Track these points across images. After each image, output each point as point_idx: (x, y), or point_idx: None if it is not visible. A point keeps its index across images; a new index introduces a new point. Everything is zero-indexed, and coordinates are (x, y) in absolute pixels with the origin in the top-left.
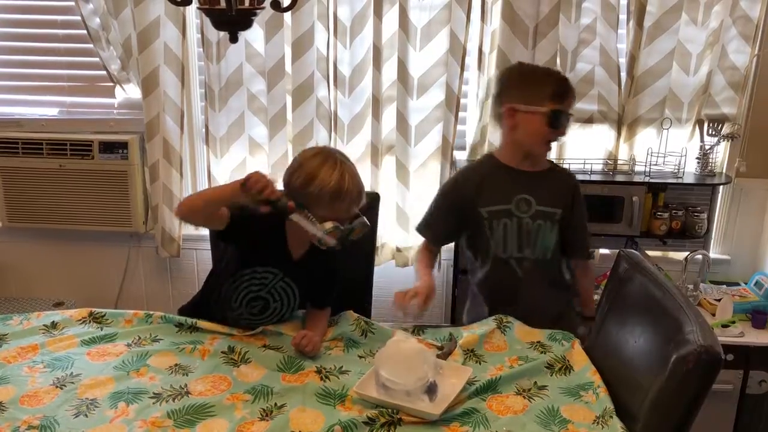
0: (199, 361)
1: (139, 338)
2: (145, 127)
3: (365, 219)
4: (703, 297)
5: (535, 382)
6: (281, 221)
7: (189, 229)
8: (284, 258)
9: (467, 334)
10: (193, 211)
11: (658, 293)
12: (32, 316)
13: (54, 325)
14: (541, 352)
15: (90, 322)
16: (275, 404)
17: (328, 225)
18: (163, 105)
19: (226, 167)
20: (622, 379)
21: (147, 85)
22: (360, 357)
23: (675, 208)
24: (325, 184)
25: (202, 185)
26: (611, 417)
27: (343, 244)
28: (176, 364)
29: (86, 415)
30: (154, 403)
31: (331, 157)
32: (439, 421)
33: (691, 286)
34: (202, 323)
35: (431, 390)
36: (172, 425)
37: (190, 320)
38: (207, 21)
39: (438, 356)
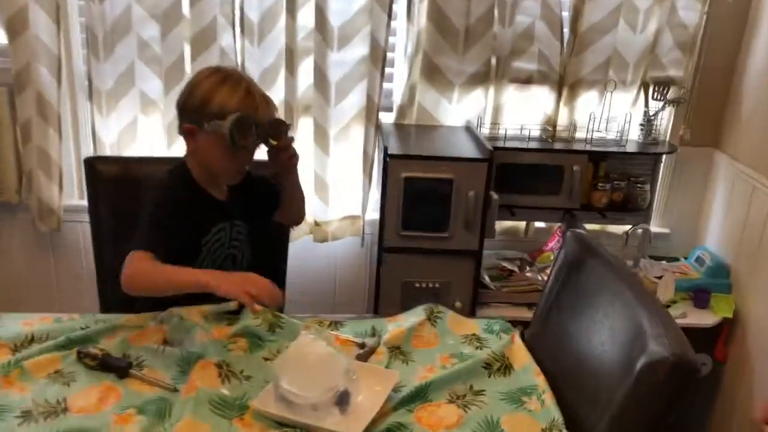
0: (83, 369)
1: (32, 338)
2: (13, 77)
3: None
4: (643, 274)
5: (471, 386)
6: (189, 184)
7: (71, 199)
8: (218, 208)
9: (393, 327)
10: (148, 292)
11: (616, 284)
12: None
13: None
14: (477, 347)
15: None
16: (171, 424)
17: (228, 118)
18: (35, 52)
19: (114, 127)
20: (574, 385)
21: (13, 27)
22: (265, 359)
23: (617, 179)
24: (227, 104)
25: (87, 147)
26: (560, 431)
27: (262, 142)
28: (57, 371)
29: None
30: (20, 425)
31: (230, 77)
32: None
33: (630, 263)
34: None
35: (342, 400)
36: None
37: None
38: None
39: (358, 356)
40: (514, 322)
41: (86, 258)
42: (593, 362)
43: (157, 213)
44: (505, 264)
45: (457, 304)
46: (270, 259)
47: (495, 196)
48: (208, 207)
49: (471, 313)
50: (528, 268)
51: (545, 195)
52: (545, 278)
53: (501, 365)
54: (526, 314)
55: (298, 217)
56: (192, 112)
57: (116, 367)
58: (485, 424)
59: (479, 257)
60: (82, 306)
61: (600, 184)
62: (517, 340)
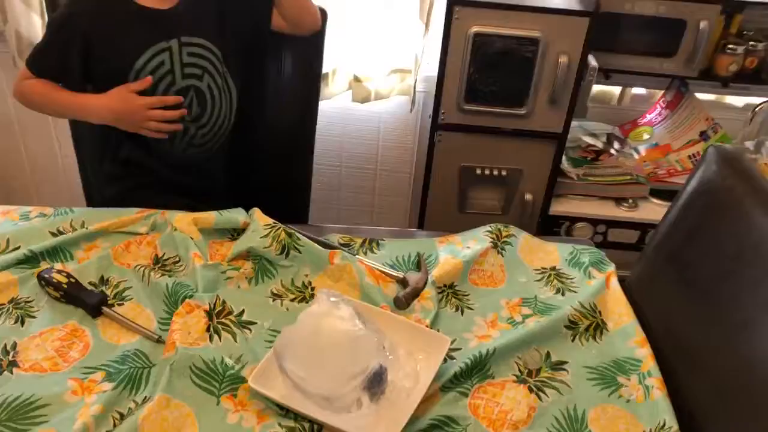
0: (47, 299)
1: None
2: None
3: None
4: (764, 162)
5: (548, 355)
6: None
7: None
8: (151, 19)
9: (446, 255)
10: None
11: None
12: None
13: None
14: (557, 290)
15: None
16: (145, 398)
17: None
18: None
19: None
20: (701, 377)
21: None
22: (274, 296)
23: (753, 38)
24: None
25: None
26: None
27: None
28: (12, 299)
29: None
30: None
31: None
32: None
33: (750, 145)
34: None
35: (374, 384)
36: None
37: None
38: None
39: (397, 300)
40: (597, 221)
41: None
42: (743, 353)
43: (50, 26)
44: (588, 140)
45: (528, 196)
46: (297, 123)
47: (594, 63)
48: (135, 19)
49: (544, 208)
50: (617, 145)
51: (655, 57)
52: (637, 159)
53: (590, 324)
54: (613, 211)
55: (302, 11)
56: None
57: (86, 303)
58: (566, 421)
59: (563, 141)
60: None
61: (730, 46)
62: (614, 284)
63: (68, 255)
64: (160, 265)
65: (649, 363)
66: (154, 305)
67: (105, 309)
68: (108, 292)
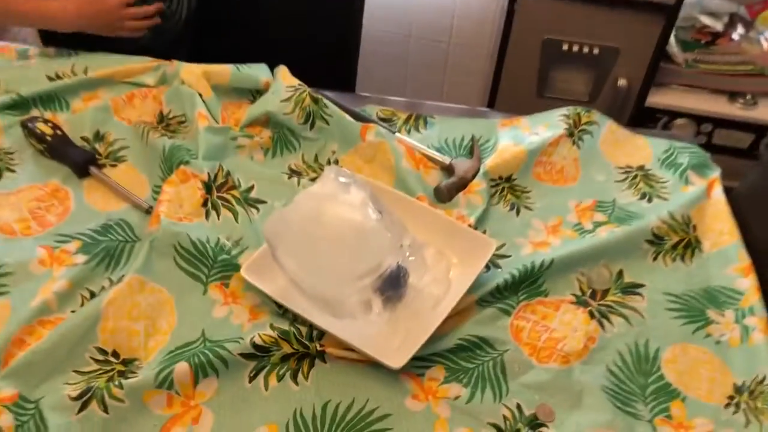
0: (31, 152)
1: None
2: None
3: None
4: None
5: (621, 274)
6: None
7: None
8: None
9: (506, 141)
10: None
11: None
12: None
13: None
14: (643, 196)
15: None
16: (122, 276)
17: None
18: None
19: None
20: None
21: None
22: (292, 172)
23: None
24: None
25: None
26: None
27: None
28: None
29: None
30: None
31: None
32: (403, 368)
33: None
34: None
35: (390, 284)
36: None
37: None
38: None
39: (437, 190)
40: (702, 119)
41: None
42: None
43: None
44: (705, 19)
45: (621, 81)
46: None
47: None
48: None
49: (640, 97)
50: (741, 28)
51: None
52: (765, 47)
53: (680, 241)
54: (725, 108)
55: None
56: None
57: (73, 160)
58: (633, 359)
59: (673, 17)
60: None
61: None
62: (717, 194)
63: (64, 104)
64: (164, 123)
65: (753, 297)
66: (150, 170)
67: (93, 169)
68: (100, 150)
